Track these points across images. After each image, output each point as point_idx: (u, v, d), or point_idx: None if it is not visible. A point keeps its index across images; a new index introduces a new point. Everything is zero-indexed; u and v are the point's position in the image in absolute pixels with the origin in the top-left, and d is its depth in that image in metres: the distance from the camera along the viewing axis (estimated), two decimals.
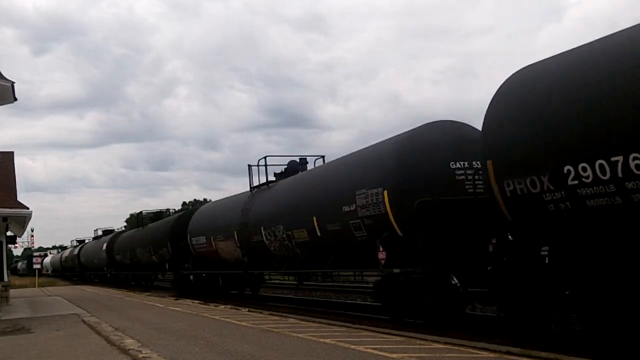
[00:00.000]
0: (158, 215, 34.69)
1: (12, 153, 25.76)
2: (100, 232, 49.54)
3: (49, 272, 77.96)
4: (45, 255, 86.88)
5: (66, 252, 66.69)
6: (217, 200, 26.38)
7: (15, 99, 18.77)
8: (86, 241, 58.25)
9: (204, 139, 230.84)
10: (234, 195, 22.25)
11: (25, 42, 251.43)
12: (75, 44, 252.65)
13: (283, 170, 18.76)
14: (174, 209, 36.64)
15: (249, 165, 19.41)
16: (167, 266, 27.64)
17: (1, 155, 23.95)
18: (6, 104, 19.17)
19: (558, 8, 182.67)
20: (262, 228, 17.45)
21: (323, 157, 18.33)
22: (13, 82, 18.14)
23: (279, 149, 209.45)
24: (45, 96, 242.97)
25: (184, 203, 31.00)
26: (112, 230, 47.74)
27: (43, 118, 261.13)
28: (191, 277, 24.70)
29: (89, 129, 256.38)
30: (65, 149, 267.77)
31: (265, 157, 19.23)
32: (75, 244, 62.43)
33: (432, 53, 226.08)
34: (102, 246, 41.65)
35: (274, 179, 18.81)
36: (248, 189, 19.96)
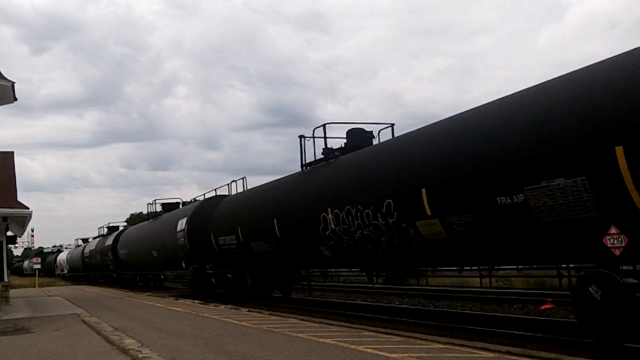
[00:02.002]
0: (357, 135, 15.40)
1: (12, 153, 25.77)
2: (158, 206, 31.45)
3: (65, 272, 61.65)
4: (59, 252, 75.42)
5: (91, 245, 47.77)
6: None
7: (16, 99, 18.79)
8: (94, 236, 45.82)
9: (203, 138, 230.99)
10: None
11: (24, 41, 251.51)
12: (73, 43, 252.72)
13: None
14: None
15: None
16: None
17: (1, 155, 23.94)
18: (6, 104, 19.18)
19: (559, 7, 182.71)
20: None
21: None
22: (13, 82, 18.15)
23: (279, 148, 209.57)
24: (45, 95, 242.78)
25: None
26: (176, 204, 30.17)
27: (42, 118, 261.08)
28: None
29: (88, 128, 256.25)
30: (65, 148, 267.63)
31: None
32: (104, 232, 44.94)
33: (432, 52, 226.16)
34: (176, 225, 24.39)
35: None
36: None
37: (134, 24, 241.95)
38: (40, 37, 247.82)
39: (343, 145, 15.48)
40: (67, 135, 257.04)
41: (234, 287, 20.59)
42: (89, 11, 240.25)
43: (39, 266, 47.82)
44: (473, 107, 10.87)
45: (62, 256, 66.33)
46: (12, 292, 25.45)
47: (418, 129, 12.36)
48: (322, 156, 15.65)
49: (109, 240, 39.26)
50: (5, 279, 21.80)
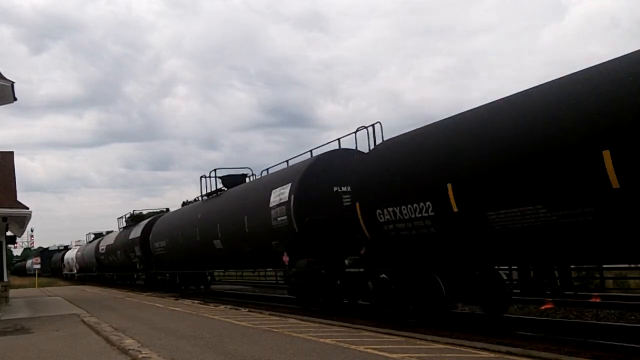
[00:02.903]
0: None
1: (11, 153, 25.76)
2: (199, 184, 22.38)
3: (75, 272, 53.43)
4: (67, 249, 64.93)
5: (109, 239, 38.43)
6: None
7: (15, 99, 18.79)
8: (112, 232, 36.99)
9: (203, 138, 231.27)
10: None
11: (23, 40, 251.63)
12: (73, 43, 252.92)
13: None
14: None
15: None
16: None
17: (1, 155, 23.94)
18: (6, 104, 19.18)
19: (559, 7, 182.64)
20: None
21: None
22: (13, 82, 18.15)
23: (279, 148, 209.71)
24: (44, 95, 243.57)
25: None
26: (242, 177, 21.62)
27: (42, 117, 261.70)
28: None
29: (88, 128, 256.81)
30: (65, 148, 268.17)
31: None
32: (126, 224, 34.78)
33: (432, 52, 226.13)
34: (268, 198, 16.10)
35: None
36: None
37: (133, 23, 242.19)
38: (40, 37, 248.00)
39: None
40: (67, 135, 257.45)
41: (411, 297, 11.76)
42: (88, 10, 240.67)
43: (38, 266, 47.91)
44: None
45: (70, 254, 56.34)
46: (12, 292, 25.47)
47: None
48: None
49: (136, 232, 29.98)
50: (5, 279, 21.79)
